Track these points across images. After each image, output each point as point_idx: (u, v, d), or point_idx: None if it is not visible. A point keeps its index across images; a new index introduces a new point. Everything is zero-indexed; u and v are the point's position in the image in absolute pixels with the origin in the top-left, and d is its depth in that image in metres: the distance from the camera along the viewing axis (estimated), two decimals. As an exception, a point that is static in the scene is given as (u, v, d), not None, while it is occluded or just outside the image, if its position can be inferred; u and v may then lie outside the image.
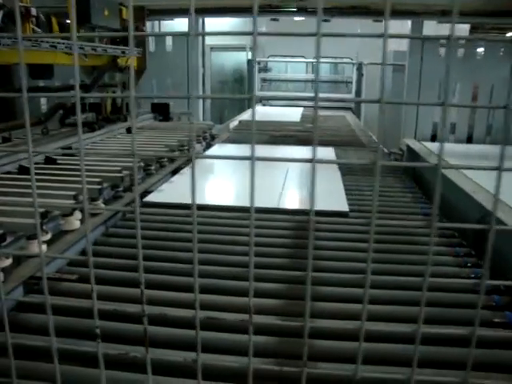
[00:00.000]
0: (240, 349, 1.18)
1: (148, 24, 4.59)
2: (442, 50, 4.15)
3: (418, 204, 2.53)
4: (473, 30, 7.36)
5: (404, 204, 2.53)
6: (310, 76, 8.59)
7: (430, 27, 4.39)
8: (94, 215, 2.04)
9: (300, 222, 2.16)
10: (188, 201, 2.21)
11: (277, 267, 1.71)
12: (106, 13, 3.13)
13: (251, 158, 0.56)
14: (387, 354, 1.20)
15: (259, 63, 8.39)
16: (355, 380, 0.49)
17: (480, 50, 4.22)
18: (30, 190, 1.98)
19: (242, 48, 8.88)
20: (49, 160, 2.53)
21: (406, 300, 1.45)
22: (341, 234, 2.02)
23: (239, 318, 1.13)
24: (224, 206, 2.29)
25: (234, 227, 2.04)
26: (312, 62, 8.63)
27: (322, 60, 8.67)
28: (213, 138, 4.14)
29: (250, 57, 8.85)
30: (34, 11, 2.35)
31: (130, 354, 0.57)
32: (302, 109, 6.81)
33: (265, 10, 4.08)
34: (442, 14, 3.89)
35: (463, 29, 6.62)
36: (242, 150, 3.60)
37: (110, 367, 0.78)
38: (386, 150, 4.19)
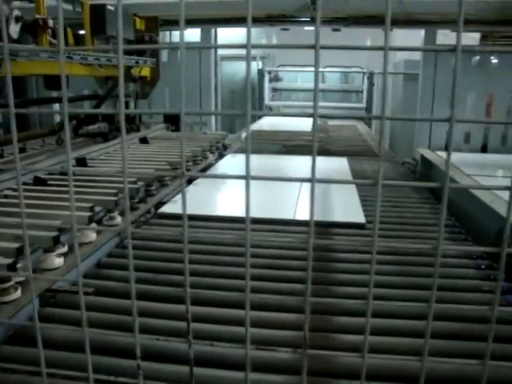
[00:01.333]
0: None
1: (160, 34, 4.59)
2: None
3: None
4: (484, 38, 7.29)
5: (421, 215, 2.51)
6: (321, 85, 8.57)
7: (441, 36, 4.35)
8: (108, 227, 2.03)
9: (317, 234, 2.13)
10: (203, 212, 2.14)
11: (295, 280, 1.68)
12: (121, 24, 3.13)
13: (246, 178, 0.55)
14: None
15: (270, 72, 8.40)
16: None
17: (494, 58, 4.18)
18: (47, 202, 1.95)
19: (252, 58, 8.90)
20: (63, 172, 2.53)
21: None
22: (358, 247, 1.99)
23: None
24: (235, 218, 2.25)
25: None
26: (322, 72, 8.62)
27: (331, 69, 8.66)
28: (225, 148, 4.13)
29: (260, 66, 8.86)
30: (51, 23, 2.35)
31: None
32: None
33: (279, 19, 4.07)
34: (456, 23, 3.83)
35: (473, 37, 6.57)
36: (254, 160, 3.57)
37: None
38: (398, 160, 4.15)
